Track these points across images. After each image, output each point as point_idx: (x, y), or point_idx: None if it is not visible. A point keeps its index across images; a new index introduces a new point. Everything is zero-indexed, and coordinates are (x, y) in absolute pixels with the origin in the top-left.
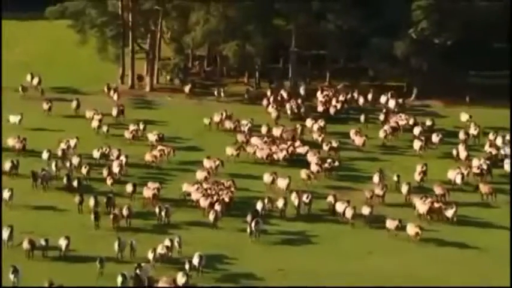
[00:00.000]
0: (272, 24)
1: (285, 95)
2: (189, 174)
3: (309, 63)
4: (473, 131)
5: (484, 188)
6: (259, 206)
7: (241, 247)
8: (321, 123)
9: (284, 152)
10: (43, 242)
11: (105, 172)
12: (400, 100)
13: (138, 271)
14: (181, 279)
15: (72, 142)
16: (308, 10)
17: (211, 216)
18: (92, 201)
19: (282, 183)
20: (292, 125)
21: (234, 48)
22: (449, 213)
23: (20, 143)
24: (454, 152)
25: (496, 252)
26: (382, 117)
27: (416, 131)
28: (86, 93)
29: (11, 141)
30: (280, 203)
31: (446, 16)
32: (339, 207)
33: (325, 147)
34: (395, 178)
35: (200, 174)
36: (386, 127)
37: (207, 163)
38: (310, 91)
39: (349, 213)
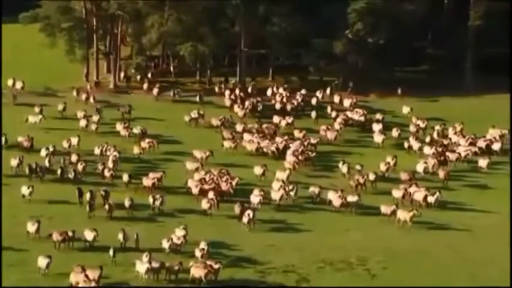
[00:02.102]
0: (222, 26)
1: (237, 92)
2: (178, 164)
3: (254, 62)
4: (421, 123)
5: (441, 174)
6: (254, 198)
7: (232, 230)
8: (289, 119)
9: (274, 146)
10: (70, 234)
11: (100, 167)
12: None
13: None
14: (215, 265)
15: (74, 140)
16: (255, 14)
17: (205, 204)
18: (88, 195)
19: (281, 175)
20: (254, 122)
21: (189, 48)
22: (431, 199)
23: (27, 142)
24: (406, 144)
25: (463, 227)
26: (329, 110)
27: (377, 126)
28: (57, 91)
29: (20, 139)
30: (277, 194)
31: (378, 18)
32: (331, 195)
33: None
34: (358, 167)
35: (190, 165)
36: (339, 121)
37: (197, 154)
38: (257, 88)
39: (338, 202)
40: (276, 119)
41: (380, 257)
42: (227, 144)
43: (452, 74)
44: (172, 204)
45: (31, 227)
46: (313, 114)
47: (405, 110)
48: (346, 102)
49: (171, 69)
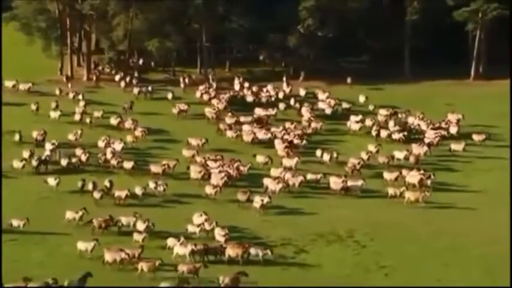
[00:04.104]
0: (185, 24)
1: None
2: (172, 152)
3: (212, 55)
4: (385, 111)
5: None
6: (273, 185)
7: (230, 210)
8: (273, 111)
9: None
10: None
11: (108, 156)
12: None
13: None
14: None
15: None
16: (214, 13)
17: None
18: (90, 185)
19: (290, 162)
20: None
21: (157, 44)
22: (427, 182)
23: (40, 136)
24: (374, 132)
25: (442, 205)
26: (293, 101)
27: (355, 117)
28: (36, 84)
29: (34, 134)
30: (292, 180)
31: (327, 15)
32: (334, 182)
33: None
34: (334, 155)
35: (187, 152)
36: (306, 110)
37: (193, 141)
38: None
39: (339, 186)
40: (257, 110)
41: (366, 230)
42: (229, 134)
43: (392, 64)
44: (176, 190)
45: (73, 215)
46: (281, 105)
47: (361, 99)
48: (302, 92)
49: (139, 63)
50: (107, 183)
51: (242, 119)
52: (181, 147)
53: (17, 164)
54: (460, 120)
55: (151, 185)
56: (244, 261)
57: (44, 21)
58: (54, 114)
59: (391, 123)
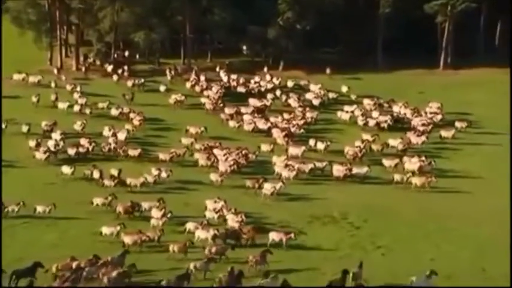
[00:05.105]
0: (169, 16)
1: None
2: (172, 141)
3: (195, 46)
4: (369, 101)
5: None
6: (288, 173)
7: (230, 195)
8: (268, 102)
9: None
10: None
11: (112, 146)
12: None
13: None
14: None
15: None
16: (198, 6)
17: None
18: (96, 173)
19: (296, 151)
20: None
21: (143, 36)
22: (427, 168)
23: (49, 126)
24: (361, 122)
25: (432, 190)
26: (279, 93)
27: (349, 107)
28: (29, 74)
29: (43, 124)
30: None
31: (305, 8)
32: (336, 169)
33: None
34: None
35: (186, 140)
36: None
37: (192, 129)
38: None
39: (341, 173)
40: (251, 101)
41: (359, 212)
42: (231, 124)
43: (366, 54)
44: (178, 176)
45: (102, 200)
46: (269, 96)
47: (344, 89)
48: (290, 83)
49: (125, 55)
50: (114, 172)
51: (243, 109)
52: (181, 136)
53: (40, 155)
54: (440, 108)
55: (154, 172)
56: (252, 244)
57: (34, 14)
58: (63, 106)
59: (375, 113)
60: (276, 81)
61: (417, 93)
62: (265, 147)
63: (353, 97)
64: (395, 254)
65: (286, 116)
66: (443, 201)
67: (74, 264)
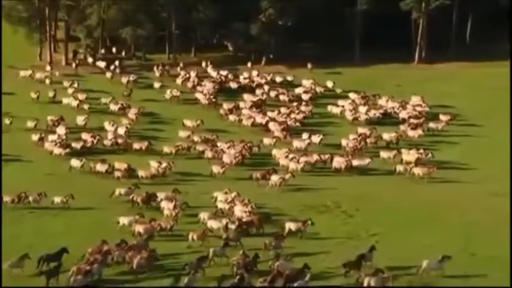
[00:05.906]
0: (155, 12)
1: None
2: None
3: (179, 42)
4: (356, 95)
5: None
6: (296, 165)
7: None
8: (262, 97)
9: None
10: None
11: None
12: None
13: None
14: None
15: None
16: (183, 2)
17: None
18: (100, 166)
19: (300, 144)
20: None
21: (130, 32)
22: (424, 159)
23: (56, 121)
24: (350, 116)
25: (421, 179)
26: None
27: (343, 102)
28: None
29: (49, 119)
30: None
31: (286, 5)
32: (336, 161)
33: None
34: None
35: (183, 133)
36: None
37: (188, 122)
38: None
39: (343, 164)
40: (246, 96)
41: (351, 201)
42: (231, 118)
43: (344, 49)
44: (179, 168)
45: (126, 190)
46: (258, 91)
47: (329, 84)
48: (278, 78)
49: (113, 51)
50: (123, 165)
51: (241, 104)
52: (178, 129)
53: (75, 163)
54: (423, 101)
55: (154, 164)
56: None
57: (25, 11)
58: (67, 101)
59: (362, 108)
60: (268, 77)
61: (395, 86)
62: (267, 141)
63: (338, 91)
64: (389, 241)
65: (283, 110)
66: (431, 190)
67: (104, 248)
